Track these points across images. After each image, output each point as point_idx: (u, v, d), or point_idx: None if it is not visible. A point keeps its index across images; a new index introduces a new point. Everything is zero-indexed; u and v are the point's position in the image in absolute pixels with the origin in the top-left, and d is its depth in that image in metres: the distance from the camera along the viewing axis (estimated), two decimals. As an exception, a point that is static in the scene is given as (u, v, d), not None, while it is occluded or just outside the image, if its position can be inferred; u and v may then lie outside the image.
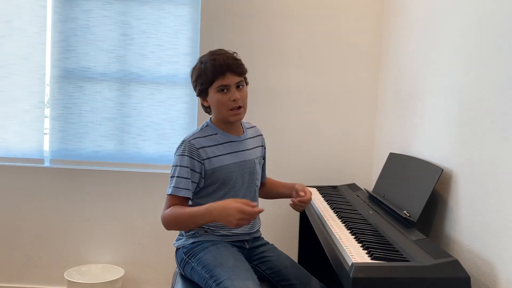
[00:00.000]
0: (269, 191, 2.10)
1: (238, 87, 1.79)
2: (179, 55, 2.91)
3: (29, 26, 2.91)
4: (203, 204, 1.80)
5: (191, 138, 1.80)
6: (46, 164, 2.95)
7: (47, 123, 2.95)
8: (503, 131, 1.45)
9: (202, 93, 1.82)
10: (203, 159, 1.77)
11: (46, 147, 2.96)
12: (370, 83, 2.86)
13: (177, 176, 1.75)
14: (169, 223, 1.71)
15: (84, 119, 2.93)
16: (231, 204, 1.57)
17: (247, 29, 2.84)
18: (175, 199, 1.74)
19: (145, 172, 2.90)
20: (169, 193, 1.75)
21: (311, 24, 2.84)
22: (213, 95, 1.79)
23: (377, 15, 2.83)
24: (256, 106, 2.84)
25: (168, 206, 1.74)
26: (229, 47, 2.91)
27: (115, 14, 2.90)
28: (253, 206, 1.57)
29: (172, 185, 1.75)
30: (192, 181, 1.76)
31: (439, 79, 1.95)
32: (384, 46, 2.78)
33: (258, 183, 1.93)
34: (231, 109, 1.78)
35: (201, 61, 1.81)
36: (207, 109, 1.88)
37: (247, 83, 1.87)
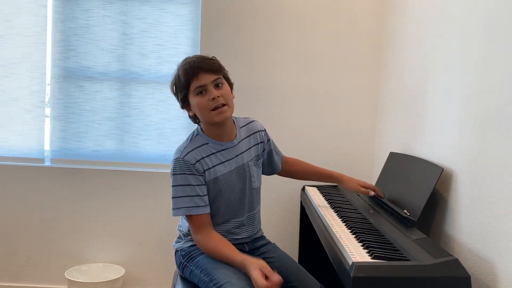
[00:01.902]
0: (304, 174, 2.10)
1: (217, 85, 1.70)
2: (180, 55, 2.91)
3: (30, 25, 2.91)
4: None
5: (183, 155, 1.71)
6: (47, 163, 2.95)
7: (47, 123, 2.96)
8: (504, 130, 1.45)
9: (184, 103, 1.75)
10: (202, 172, 1.72)
11: (47, 146, 2.97)
12: (371, 82, 2.86)
13: (188, 196, 1.69)
14: (206, 251, 1.72)
15: (85, 119, 2.94)
16: (253, 271, 1.52)
17: (247, 29, 2.84)
18: (199, 218, 1.70)
19: (146, 172, 2.90)
20: (184, 213, 1.70)
21: (312, 23, 2.84)
22: (193, 101, 1.71)
23: (379, 14, 2.83)
24: (256, 106, 2.84)
25: (197, 225, 1.71)
26: (229, 47, 2.91)
27: (115, 13, 2.90)
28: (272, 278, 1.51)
29: (187, 205, 1.69)
30: (204, 195, 1.72)
31: (440, 79, 1.96)
32: (385, 46, 2.78)
33: (255, 184, 1.87)
34: (213, 109, 1.68)
35: (175, 71, 1.75)
36: (195, 120, 1.81)
37: (230, 83, 1.78)
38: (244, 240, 1.87)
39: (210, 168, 1.74)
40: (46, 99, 2.95)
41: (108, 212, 2.92)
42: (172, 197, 1.72)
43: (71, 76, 2.92)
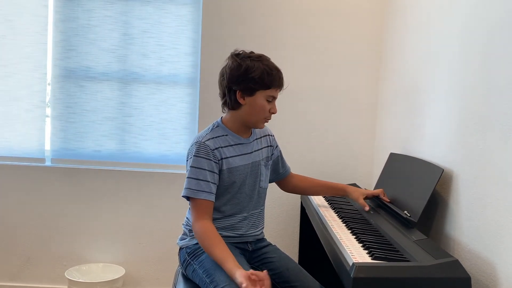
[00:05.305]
0: (307, 188, 2.14)
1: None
2: (180, 55, 2.91)
3: (31, 25, 2.91)
4: None
5: (205, 139, 1.76)
6: (47, 163, 2.95)
7: (48, 123, 2.96)
8: (504, 131, 1.45)
9: (249, 91, 1.76)
10: (219, 160, 1.77)
11: (47, 146, 2.97)
12: (371, 83, 2.86)
13: (196, 179, 1.72)
14: (200, 240, 1.69)
15: (85, 119, 2.94)
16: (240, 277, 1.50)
17: (248, 29, 2.84)
18: (200, 203, 1.71)
19: (146, 172, 2.91)
20: (185, 194, 1.72)
21: (312, 24, 2.84)
22: (259, 100, 1.77)
23: (378, 14, 2.84)
24: (257, 106, 2.84)
25: (197, 211, 1.71)
26: (230, 47, 2.91)
27: (116, 13, 2.91)
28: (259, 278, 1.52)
29: (193, 187, 1.72)
30: (212, 183, 1.73)
31: (440, 79, 1.96)
32: (385, 46, 2.78)
33: (263, 184, 1.92)
34: (264, 117, 1.82)
35: (263, 62, 1.77)
36: (235, 105, 1.80)
37: None
38: (248, 239, 1.88)
39: (227, 158, 1.79)
40: (47, 99, 2.96)
41: (109, 212, 2.92)
42: (187, 177, 1.76)
43: (72, 76, 2.93)
